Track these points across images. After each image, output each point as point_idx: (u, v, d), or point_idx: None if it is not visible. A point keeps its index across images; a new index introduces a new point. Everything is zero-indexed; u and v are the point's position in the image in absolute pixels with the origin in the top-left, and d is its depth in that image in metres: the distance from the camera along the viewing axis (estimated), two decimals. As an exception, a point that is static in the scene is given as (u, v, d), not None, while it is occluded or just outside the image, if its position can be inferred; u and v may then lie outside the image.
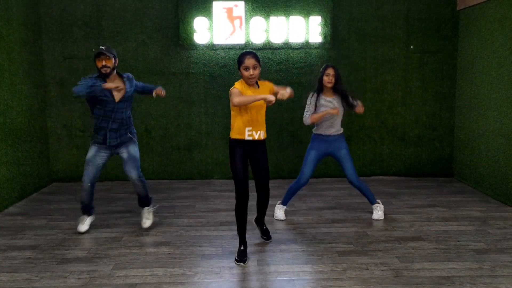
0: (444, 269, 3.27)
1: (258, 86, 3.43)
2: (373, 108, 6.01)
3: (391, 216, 4.48)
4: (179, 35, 5.78)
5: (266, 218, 4.43)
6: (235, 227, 4.14)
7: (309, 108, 4.18)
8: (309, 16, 5.76)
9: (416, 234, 3.98)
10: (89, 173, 3.98)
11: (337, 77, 4.13)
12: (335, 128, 4.23)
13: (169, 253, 3.60)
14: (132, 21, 5.78)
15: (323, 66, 4.19)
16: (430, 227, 4.15)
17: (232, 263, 3.41)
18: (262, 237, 3.85)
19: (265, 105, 3.41)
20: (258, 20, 5.73)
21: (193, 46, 5.80)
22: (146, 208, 4.24)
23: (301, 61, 5.89)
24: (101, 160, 4.00)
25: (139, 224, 4.30)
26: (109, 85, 3.75)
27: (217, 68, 5.87)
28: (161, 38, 5.83)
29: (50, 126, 5.88)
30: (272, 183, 5.34)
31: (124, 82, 3.92)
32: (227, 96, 5.90)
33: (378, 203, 4.45)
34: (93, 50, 5.76)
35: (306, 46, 5.84)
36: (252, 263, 3.41)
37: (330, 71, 4.11)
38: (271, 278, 3.18)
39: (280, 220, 4.40)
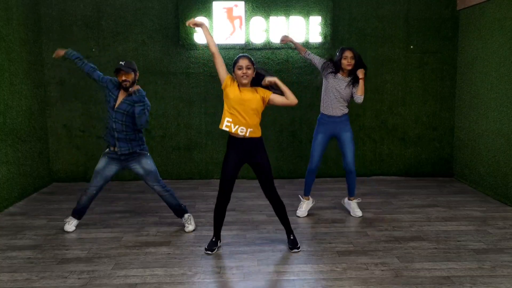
0: (444, 269, 3.27)
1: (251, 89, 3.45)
2: (373, 108, 6.01)
3: (391, 216, 4.49)
4: (179, 35, 5.78)
5: (265, 218, 4.44)
6: (235, 227, 4.16)
7: (317, 59, 4.32)
8: (309, 16, 5.76)
9: (416, 234, 3.98)
10: (96, 183, 4.00)
11: (356, 58, 4.15)
12: (341, 109, 4.29)
13: (169, 253, 3.60)
14: (132, 21, 5.78)
15: (339, 49, 4.21)
16: (430, 227, 4.16)
17: (232, 263, 3.41)
18: (288, 246, 3.67)
19: (256, 109, 3.41)
20: (258, 20, 5.73)
21: (193, 46, 5.80)
22: (186, 215, 4.16)
23: (301, 61, 5.89)
24: (110, 173, 3.99)
25: (139, 224, 4.31)
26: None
27: (217, 68, 5.86)
28: (161, 38, 5.83)
29: (50, 126, 5.88)
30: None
31: (129, 94, 3.87)
32: (227, 96, 5.91)
33: (358, 199, 4.59)
34: (93, 50, 5.77)
35: (306, 46, 5.83)
36: (252, 263, 3.42)
37: (348, 53, 4.13)
38: (271, 278, 3.18)
39: (301, 217, 4.48)
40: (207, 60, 5.86)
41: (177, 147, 6.02)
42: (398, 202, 4.98)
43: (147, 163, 3.98)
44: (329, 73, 4.27)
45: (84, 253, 3.60)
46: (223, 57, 5.77)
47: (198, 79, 5.90)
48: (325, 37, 5.82)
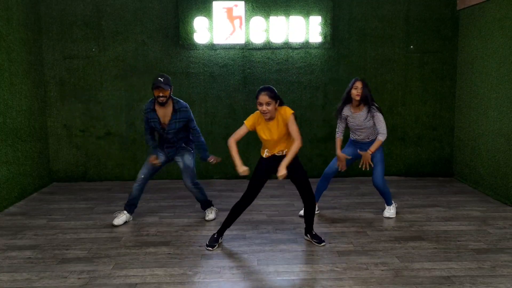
0: (444, 269, 3.27)
1: (273, 118, 3.55)
2: (373, 108, 6.01)
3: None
4: (179, 35, 5.78)
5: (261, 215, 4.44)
6: (234, 227, 4.15)
7: (341, 125, 4.36)
8: (309, 16, 5.76)
9: (416, 234, 3.98)
10: (145, 169, 4.23)
11: (364, 91, 4.17)
12: (368, 137, 4.29)
13: (169, 253, 3.60)
14: (132, 21, 5.78)
15: (352, 80, 4.25)
16: (430, 227, 4.16)
17: (232, 263, 3.41)
18: (313, 241, 3.80)
19: (285, 132, 3.53)
20: (258, 20, 5.73)
21: (193, 46, 5.80)
22: (209, 208, 4.49)
23: (301, 61, 5.89)
24: (159, 160, 4.25)
25: (139, 224, 4.31)
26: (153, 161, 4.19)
27: (217, 68, 5.87)
28: (161, 38, 5.83)
29: (50, 126, 5.88)
30: (272, 183, 5.35)
31: (174, 111, 4.12)
32: (227, 96, 5.91)
33: (394, 204, 4.54)
34: (93, 49, 5.77)
35: (306, 46, 5.84)
36: (252, 263, 3.42)
37: (358, 84, 4.19)
38: (271, 278, 3.18)
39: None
40: (207, 60, 5.86)
41: (177, 147, 6.02)
42: (398, 202, 4.97)
43: (188, 159, 4.26)
44: (346, 117, 4.31)
45: (84, 253, 3.60)
46: (223, 57, 5.83)
47: (198, 79, 5.90)
48: (325, 37, 5.82)
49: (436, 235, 3.95)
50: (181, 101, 4.19)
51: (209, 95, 5.93)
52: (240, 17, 5.70)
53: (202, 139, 4.31)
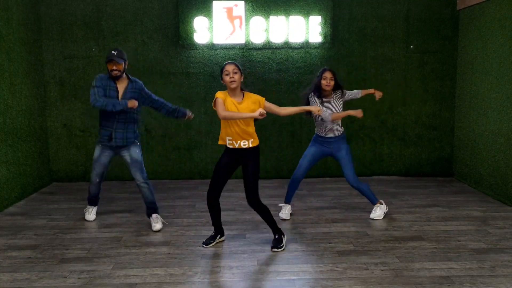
0: (444, 269, 3.27)
1: (243, 97, 3.56)
2: (373, 108, 6.00)
3: (391, 216, 4.48)
4: (179, 35, 5.78)
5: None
6: (234, 227, 4.16)
7: (322, 107, 4.16)
8: (309, 16, 5.76)
9: (416, 234, 3.98)
10: (96, 170, 4.25)
11: (335, 80, 4.19)
12: (334, 130, 4.26)
13: (169, 253, 3.60)
14: (132, 21, 5.78)
15: (320, 70, 4.25)
16: (430, 227, 4.16)
17: (232, 263, 3.41)
18: (271, 245, 3.69)
19: (250, 120, 3.53)
20: (258, 20, 5.73)
21: (193, 46, 5.80)
22: (154, 215, 4.22)
23: (301, 61, 5.89)
24: (106, 159, 4.20)
25: (139, 224, 4.31)
26: (132, 104, 3.95)
27: (217, 68, 5.86)
28: (161, 38, 5.83)
29: (50, 126, 5.88)
30: (272, 183, 5.33)
31: (129, 82, 4.11)
32: (227, 96, 5.91)
33: (380, 204, 4.45)
34: (93, 49, 5.77)
35: (306, 46, 5.84)
36: (252, 263, 3.42)
37: (328, 74, 4.17)
38: (271, 278, 3.18)
39: (284, 219, 4.39)
40: (207, 60, 5.86)
41: (177, 147, 6.02)
42: (398, 202, 4.97)
43: (135, 152, 4.16)
44: (320, 103, 4.20)
45: (84, 253, 3.60)
46: (223, 57, 5.82)
47: (198, 79, 5.90)
48: (325, 37, 5.82)
49: (436, 235, 3.95)
50: (141, 82, 4.21)
51: (209, 95, 5.93)
52: (240, 17, 5.70)
53: (169, 103, 4.34)
